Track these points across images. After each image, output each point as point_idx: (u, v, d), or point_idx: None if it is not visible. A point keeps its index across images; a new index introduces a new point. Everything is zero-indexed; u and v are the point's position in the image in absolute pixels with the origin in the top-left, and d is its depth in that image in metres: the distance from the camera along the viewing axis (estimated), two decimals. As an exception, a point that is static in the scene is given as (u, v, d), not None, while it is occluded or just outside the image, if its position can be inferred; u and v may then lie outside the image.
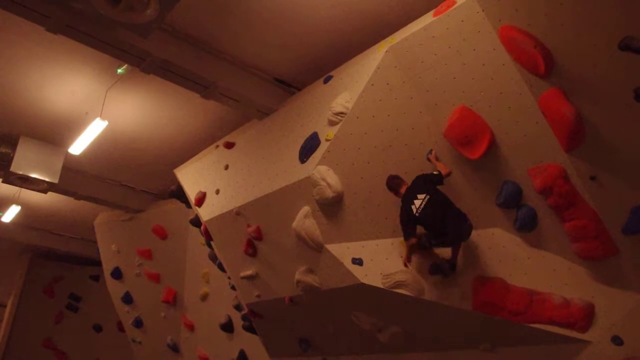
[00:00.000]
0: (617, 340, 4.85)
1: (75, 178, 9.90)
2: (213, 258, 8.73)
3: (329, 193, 5.84)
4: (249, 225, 7.00)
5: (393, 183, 5.64)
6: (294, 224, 6.30)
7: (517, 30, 4.69)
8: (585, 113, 4.66)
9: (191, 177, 8.30)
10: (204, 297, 9.98)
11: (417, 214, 5.29)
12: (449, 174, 5.49)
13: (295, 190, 6.19)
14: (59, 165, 8.73)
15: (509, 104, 5.04)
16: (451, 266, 5.57)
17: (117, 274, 11.45)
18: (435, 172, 5.44)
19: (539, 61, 4.60)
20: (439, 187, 5.44)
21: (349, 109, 5.75)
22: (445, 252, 5.63)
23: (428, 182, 5.43)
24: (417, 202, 5.32)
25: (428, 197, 5.29)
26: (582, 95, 4.63)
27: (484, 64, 5.04)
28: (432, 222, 5.28)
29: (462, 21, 5.02)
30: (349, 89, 5.87)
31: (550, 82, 4.71)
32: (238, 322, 8.90)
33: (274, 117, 7.14)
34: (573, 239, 5.10)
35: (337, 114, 5.83)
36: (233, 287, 8.23)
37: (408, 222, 5.43)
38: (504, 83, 4.98)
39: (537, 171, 5.09)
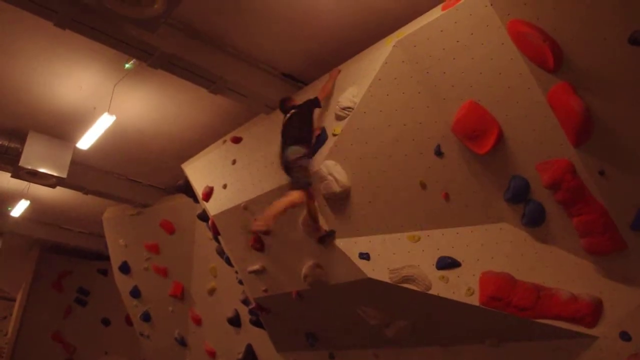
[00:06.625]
0: (625, 336, 4.82)
1: (83, 173, 9.94)
2: (220, 253, 8.76)
3: (336, 188, 5.85)
4: (256, 220, 7.00)
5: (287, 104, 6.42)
6: (301, 219, 6.31)
7: (526, 24, 4.65)
8: (594, 108, 4.62)
9: (199, 172, 8.32)
10: (212, 292, 10.01)
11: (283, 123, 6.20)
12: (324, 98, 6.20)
13: (303, 185, 6.18)
14: (67, 160, 8.78)
15: (517, 99, 5.00)
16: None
17: (125, 268, 11.52)
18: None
19: (548, 55, 4.56)
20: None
21: (356, 103, 5.74)
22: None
23: (305, 103, 6.22)
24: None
25: (294, 110, 6.15)
26: (591, 90, 4.59)
27: (492, 59, 5.00)
28: (290, 128, 6.08)
29: (471, 15, 4.98)
30: (357, 84, 5.86)
31: (559, 76, 4.67)
32: (245, 317, 8.93)
33: (282, 111, 7.12)
34: (581, 234, 5.07)
35: (345, 108, 5.83)
36: (240, 282, 8.26)
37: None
38: (513, 77, 4.94)
39: (545, 166, 5.04)
